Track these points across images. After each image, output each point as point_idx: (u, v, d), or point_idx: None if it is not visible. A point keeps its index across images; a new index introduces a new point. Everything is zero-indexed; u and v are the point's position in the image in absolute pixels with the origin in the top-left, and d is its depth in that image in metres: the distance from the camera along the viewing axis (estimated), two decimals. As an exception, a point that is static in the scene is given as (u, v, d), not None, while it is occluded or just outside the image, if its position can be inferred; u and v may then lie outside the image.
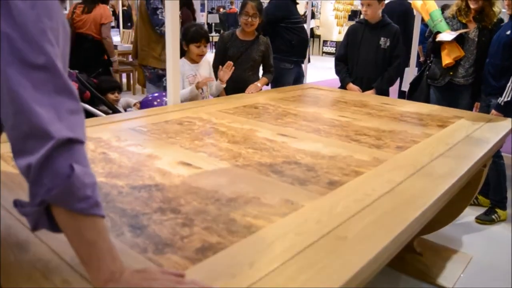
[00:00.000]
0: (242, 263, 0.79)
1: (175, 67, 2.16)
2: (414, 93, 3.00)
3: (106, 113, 2.65)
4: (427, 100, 2.84)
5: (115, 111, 2.74)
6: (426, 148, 1.59)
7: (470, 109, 2.75)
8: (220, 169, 1.29)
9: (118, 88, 2.92)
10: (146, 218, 0.96)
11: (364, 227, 0.95)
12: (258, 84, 2.70)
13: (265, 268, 0.78)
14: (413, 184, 1.22)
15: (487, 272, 2.06)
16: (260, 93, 2.61)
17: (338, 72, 2.97)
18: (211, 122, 1.85)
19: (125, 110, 3.08)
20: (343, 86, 2.93)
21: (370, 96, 2.67)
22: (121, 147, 1.47)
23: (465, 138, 1.76)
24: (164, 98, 2.81)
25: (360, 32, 2.83)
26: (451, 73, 2.74)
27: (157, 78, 3.32)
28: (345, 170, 1.32)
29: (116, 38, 6.85)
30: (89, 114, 2.61)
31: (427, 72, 2.86)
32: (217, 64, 2.76)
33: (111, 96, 2.86)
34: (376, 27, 2.79)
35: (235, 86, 2.61)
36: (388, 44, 2.75)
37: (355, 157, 1.45)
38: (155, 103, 2.70)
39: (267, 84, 2.95)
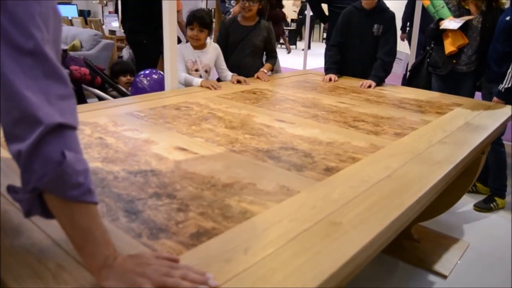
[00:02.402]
0: (236, 249, 0.79)
1: (173, 53, 2.14)
2: (413, 81, 2.96)
3: (117, 98, 2.63)
4: (427, 88, 2.81)
5: (123, 94, 2.72)
6: (424, 134, 1.59)
7: (472, 96, 2.72)
8: (217, 155, 1.29)
9: (130, 71, 2.90)
10: (141, 203, 0.96)
11: (359, 213, 0.95)
12: (265, 70, 2.67)
13: (260, 253, 0.78)
14: (410, 170, 1.22)
15: (484, 260, 2.07)
16: (259, 79, 2.59)
17: (327, 57, 2.83)
18: (208, 107, 1.84)
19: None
20: (326, 73, 2.79)
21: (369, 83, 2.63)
22: (118, 132, 1.46)
23: (463, 125, 1.75)
24: (154, 76, 2.77)
25: (355, 17, 2.73)
26: (454, 61, 2.70)
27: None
28: (342, 157, 1.31)
29: (114, 24, 6.79)
30: (100, 99, 2.61)
31: (428, 60, 2.82)
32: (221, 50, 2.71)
33: (123, 79, 2.84)
34: (371, 13, 2.69)
35: (235, 72, 2.58)
36: (381, 31, 2.68)
37: (353, 144, 1.44)
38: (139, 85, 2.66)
39: (272, 69, 2.92)
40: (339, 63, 2.80)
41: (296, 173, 1.17)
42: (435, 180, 1.15)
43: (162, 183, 1.07)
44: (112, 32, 5.77)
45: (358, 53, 2.76)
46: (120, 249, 0.71)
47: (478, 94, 2.78)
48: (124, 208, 0.93)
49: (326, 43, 3.50)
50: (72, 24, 6.18)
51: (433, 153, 1.38)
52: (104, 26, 6.24)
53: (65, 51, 2.58)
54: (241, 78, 2.44)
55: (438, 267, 2.01)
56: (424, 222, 2.22)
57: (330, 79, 2.67)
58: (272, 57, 2.83)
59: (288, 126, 1.61)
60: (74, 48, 4.66)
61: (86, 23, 6.30)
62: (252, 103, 1.97)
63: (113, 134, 1.43)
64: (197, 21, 2.39)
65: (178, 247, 0.79)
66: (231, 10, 3.39)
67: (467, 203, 2.62)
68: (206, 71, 2.52)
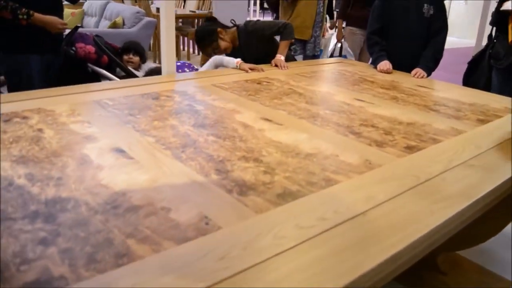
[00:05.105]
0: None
1: (170, 38, 1.89)
2: (472, 76, 2.47)
3: (125, 78, 2.49)
4: (487, 85, 2.32)
5: (131, 75, 2.57)
6: (446, 150, 1.20)
7: None
8: (153, 161, 1.03)
9: (133, 50, 2.73)
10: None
11: (283, 278, 0.65)
12: (282, 57, 2.32)
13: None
14: (399, 208, 0.88)
15: (528, 307, 1.64)
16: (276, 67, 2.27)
17: (370, 47, 2.43)
18: (192, 99, 1.58)
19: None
20: (376, 62, 2.39)
21: (406, 76, 2.22)
22: (66, 124, 1.25)
23: (508, 140, 1.33)
24: (186, 70, 2.59)
25: None
26: None
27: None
28: (314, 177, 0.99)
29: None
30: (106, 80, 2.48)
31: (490, 51, 2.32)
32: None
33: (125, 57, 2.70)
34: None
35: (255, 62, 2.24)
36: (431, 12, 2.24)
37: (341, 158, 1.11)
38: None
39: (292, 44, 2.57)
40: (387, 50, 2.38)
41: (236, 197, 0.88)
42: (429, 229, 0.81)
43: (46, 199, 0.83)
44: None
45: (407, 39, 2.33)
46: None
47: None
48: (-22, 233, 0.72)
49: None
50: (122, 2, 6.18)
51: (447, 181, 1.02)
52: (152, 5, 6.17)
53: (76, 27, 2.46)
54: (254, 66, 2.13)
55: (464, 311, 1.62)
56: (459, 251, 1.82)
57: (387, 70, 2.27)
58: (284, 30, 2.28)
59: (272, 128, 1.31)
60: (115, 25, 4.61)
61: (135, 0, 6.28)
62: (248, 95, 1.68)
63: (58, 126, 1.23)
64: None
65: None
66: None
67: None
68: None
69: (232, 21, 2.46)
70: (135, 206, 0.82)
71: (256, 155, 1.10)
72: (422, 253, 0.81)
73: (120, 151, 1.08)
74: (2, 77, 2.89)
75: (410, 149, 1.21)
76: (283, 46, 2.31)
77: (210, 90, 1.72)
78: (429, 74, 2.29)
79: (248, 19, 2.75)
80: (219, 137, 1.20)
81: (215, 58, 2.23)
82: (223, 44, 2.29)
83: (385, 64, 2.29)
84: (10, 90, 2.22)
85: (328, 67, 2.41)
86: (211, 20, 2.40)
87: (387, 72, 2.26)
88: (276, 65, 2.25)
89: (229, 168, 1.01)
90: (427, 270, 1.76)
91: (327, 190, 0.94)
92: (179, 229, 0.75)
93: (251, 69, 2.11)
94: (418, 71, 2.24)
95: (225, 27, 2.35)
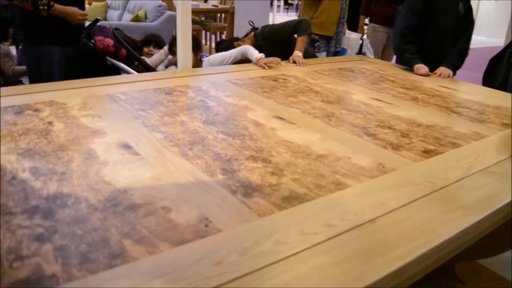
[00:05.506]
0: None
1: (186, 33, 1.87)
2: (491, 74, 2.37)
3: (142, 71, 2.50)
4: (504, 82, 2.22)
5: (149, 69, 2.57)
6: (467, 156, 1.14)
7: None
8: (158, 158, 1.01)
9: (154, 42, 2.74)
10: None
11: (285, 282, 0.61)
12: (300, 53, 2.27)
13: None
14: (412, 215, 0.83)
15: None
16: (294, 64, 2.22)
17: (403, 43, 2.23)
18: (205, 95, 1.56)
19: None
20: (411, 63, 2.25)
21: (430, 76, 2.13)
22: (76, 117, 1.25)
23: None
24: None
25: None
26: None
27: (311, 41, 3.10)
28: (324, 180, 0.95)
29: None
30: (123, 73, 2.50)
31: (511, 49, 2.21)
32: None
33: (145, 50, 2.71)
34: None
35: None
36: (463, 11, 2.15)
37: (353, 160, 1.07)
38: None
39: (316, 41, 2.59)
40: (418, 48, 2.24)
41: (240, 198, 0.85)
42: (441, 240, 0.76)
43: (47, 194, 0.83)
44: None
45: (440, 37, 2.22)
46: None
47: None
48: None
49: None
50: (147, -5, 6.21)
51: (465, 188, 0.96)
52: (175, -1, 6.19)
53: (97, 20, 2.47)
54: (271, 59, 2.09)
55: (482, 323, 1.56)
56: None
57: (425, 74, 2.15)
58: (300, 24, 2.27)
59: (284, 127, 1.27)
60: (137, 19, 4.64)
61: (159, -6, 6.30)
62: (262, 92, 1.64)
63: (68, 119, 1.23)
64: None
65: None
66: None
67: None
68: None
69: (250, 23, 2.44)
70: (135, 205, 0.80)
71: (265, 155, 1.07)
72: (434, 265, 0.76)
73: (127, 146, 1.06)
74: (24, 67, 2.95)
75: (427, 153, 1.15)
76: (300, 42, 2.27)
77: (224, 86, 1.69)
78: (454, 73, 2.20)
79: (271, 14, 2.76)
80: (229, 135, 1.18)
81: (244, 48, 2.20)
82: None
83: (423, 68, 2.17)
84: (31, 81, 2.26)
85: (348, 64, 2.34)
86: (223, 42, 2.55)
87: (424, 75, 2.15)
88: (294, 62, 2.20)
89: (236, 167, 0.99)
90: (444, 278, 1.69)
91: (335, 194, 0.90)
92: (177, 230, 0.73)
93: (268, 64, 2.07)
94: (442, 70, 2.16)
95: (238, 38, 2.45)
